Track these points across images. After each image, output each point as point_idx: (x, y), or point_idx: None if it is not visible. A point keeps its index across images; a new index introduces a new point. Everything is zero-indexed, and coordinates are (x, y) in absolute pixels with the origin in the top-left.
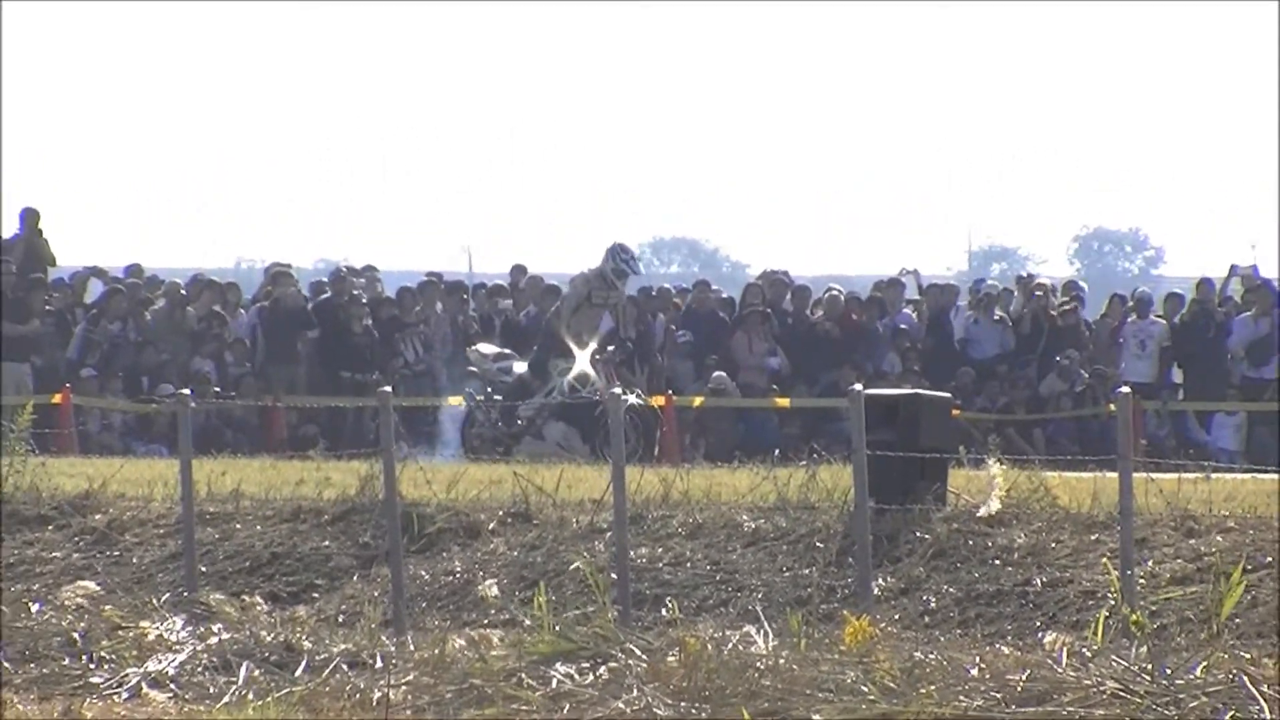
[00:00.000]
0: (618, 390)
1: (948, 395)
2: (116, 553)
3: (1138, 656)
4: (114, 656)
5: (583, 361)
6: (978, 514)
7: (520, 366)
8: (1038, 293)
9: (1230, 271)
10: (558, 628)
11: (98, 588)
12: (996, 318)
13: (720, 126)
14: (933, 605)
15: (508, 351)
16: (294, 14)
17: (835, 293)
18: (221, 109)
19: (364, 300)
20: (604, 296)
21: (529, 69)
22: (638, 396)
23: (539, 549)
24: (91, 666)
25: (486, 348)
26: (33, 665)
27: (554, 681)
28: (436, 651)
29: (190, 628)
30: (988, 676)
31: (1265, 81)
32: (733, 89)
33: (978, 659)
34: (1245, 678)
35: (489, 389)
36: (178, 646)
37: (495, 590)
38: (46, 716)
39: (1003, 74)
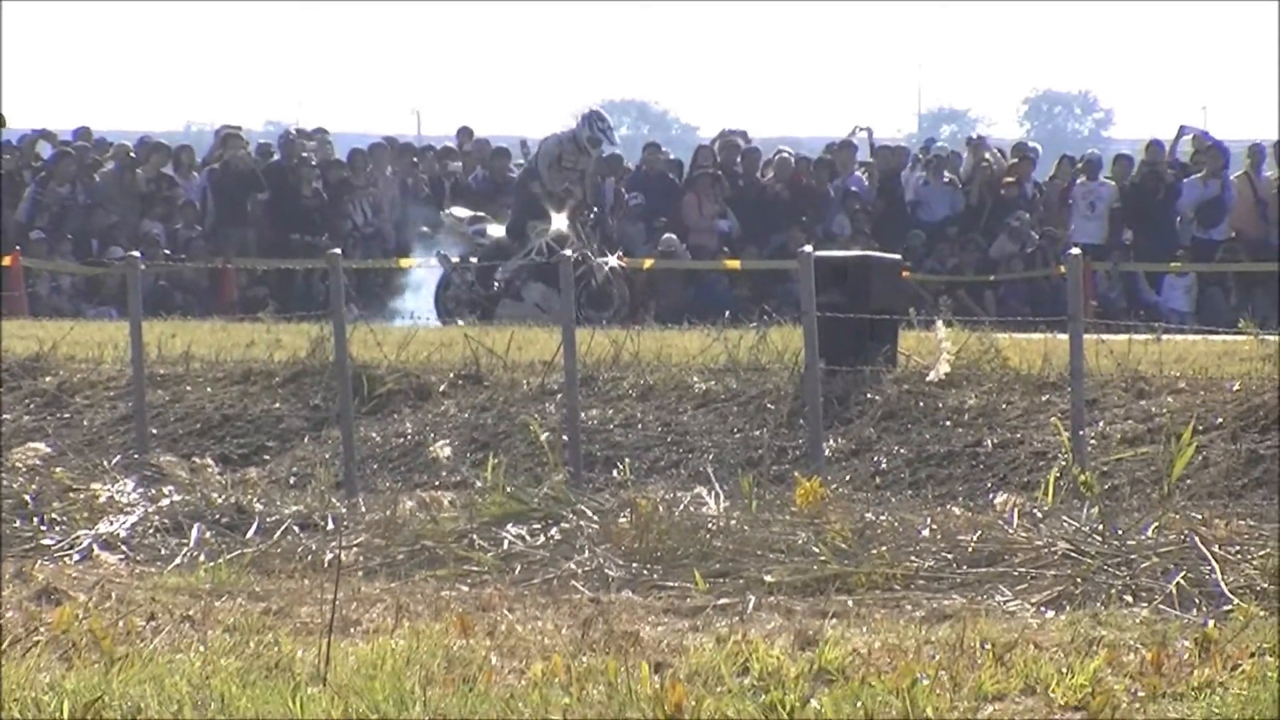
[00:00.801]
0: (568, 251)
1: (897, 257)
2: (67, 415)
3: (1089, 517)
4: (65, 518)
5: (559, 221)
6: (927, 379)
7: (496, 229)
8: (986, 158)
9: (1179, 132)
10: (509, 489)
11: (49, 450)
12: (946, 180)
13: None
14: (884, 466)
15: (482, 214)
16: None
17: (785, 155)
18: None
19: (314, 163)
20: (574, 161)
21: None
22: (619, 258)
23: (490, 411)
24: (43, 528)
25: (461, 211)
26: None
27: (505, 543)
28: (388, 513)
29: (141, 490)
30: (939, 537)
31: None
32: None
33: (929, 520)
34: (1196, 538)
35: (464, 252)
36: (129, 508)
37: (447, 452)
38: None
39: None
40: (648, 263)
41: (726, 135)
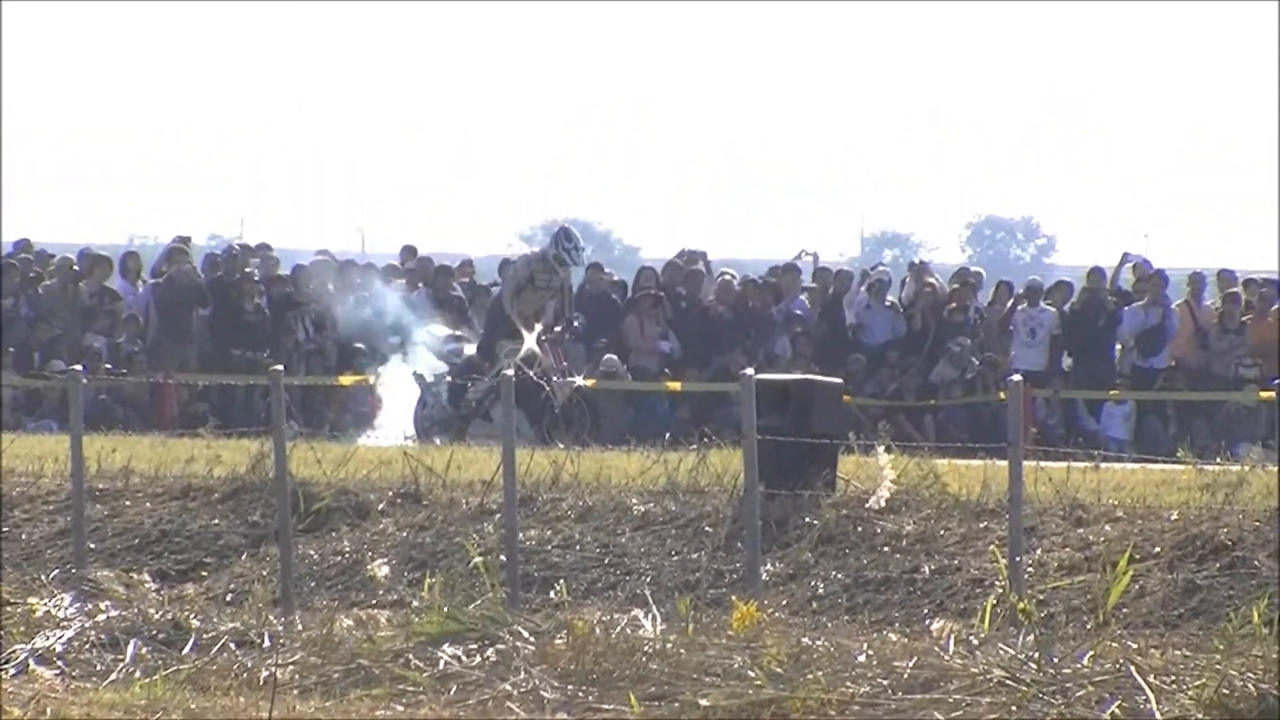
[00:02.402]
0: (509, 373)
1: (839, 381)
2: (5, 529)
3: (1025, 645)
4: (1, 633)
5: (529, 342)
6: (868, 505)
7: (470, 347)
8: (930, 283)
9: (1122, 259)
10: (446, 609)
11: None
12: (888, 304)
13: (613, 110)
14: (821, 591)
15: (459, 333)
16: None
17: (729, 277)
18: (111, 83)
19: (257, 278)
20: (546, 280)
21: (424, 50)
22: (584, 378)
23: (429, 529)
24: None
25: (438, 329)
26: None
27: (442, 662)
28: (324, 631)
29: (79, 604)
30: (875, 663)
31: (1156, 71)
32: (626, 72)
33: (865, 645)
34: (1132, 667)
35: (439, 370)
36: (66, 623)
37: (385, 570)
38: None
39: (896, 61)
40: (590, 383)
41: (686, 254)
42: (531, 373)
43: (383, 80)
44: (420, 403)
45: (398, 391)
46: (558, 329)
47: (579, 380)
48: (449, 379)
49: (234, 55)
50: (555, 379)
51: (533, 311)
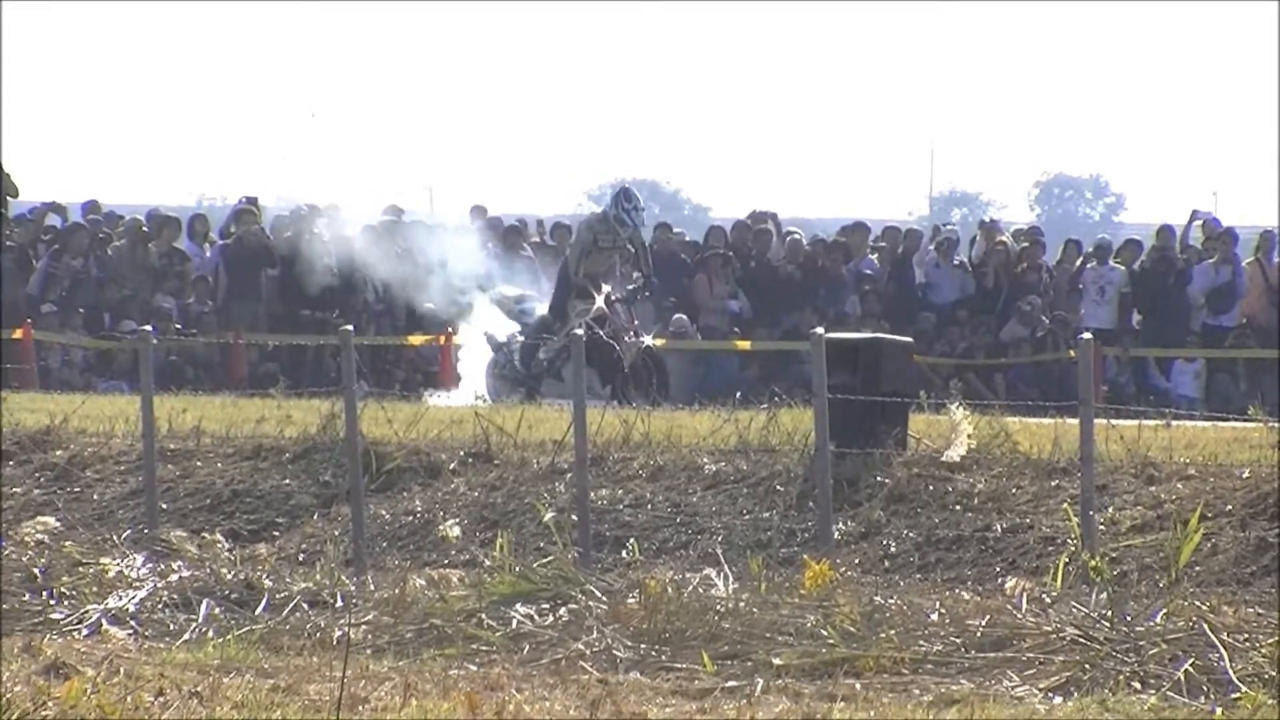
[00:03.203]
0: (579, 332)
1: (908, 340)
2: (77, 489)
3: (1098, 603)
4: (74, 592)
5: (600, 301)
6: (943, 459)
7: (541, 307)
8: (999, 246)
9: (1191, 217)
10: (518, 568)
11: (58, 524)
12: (957, 263)
13: (683, 68)
14: (893, 550)
15: (529, 293)
16: None
17: (797, 236)
18: (180, 44)
19: (326, 239)
20: (610, 240)
21: (490, 12)
22: (653, 338)
23: (500, 489)
24: (52, 602)
25: (509, 289)
26: None
27: (514, 622)
28: (397, 591)
29: (151, 565)
30: (948, 621)
31: (1226, 29)
32: (696, 30)
33: (938, 604)
34: (1205, 625)
35: (511, 330)
36: (138, 583)
37: (456, 530)
38: (7, 651)
39: (965, 20)
40: (659, 342)
41: (756, 215)
42: (602, 332)
43: (449, 39)
44: (492, 362)
45: (471, 350)
46: (633, 287)
47: (648, 340)
48: (521, 339)
49: (302, 18)
50: (625, 339)
51: (601, 271)
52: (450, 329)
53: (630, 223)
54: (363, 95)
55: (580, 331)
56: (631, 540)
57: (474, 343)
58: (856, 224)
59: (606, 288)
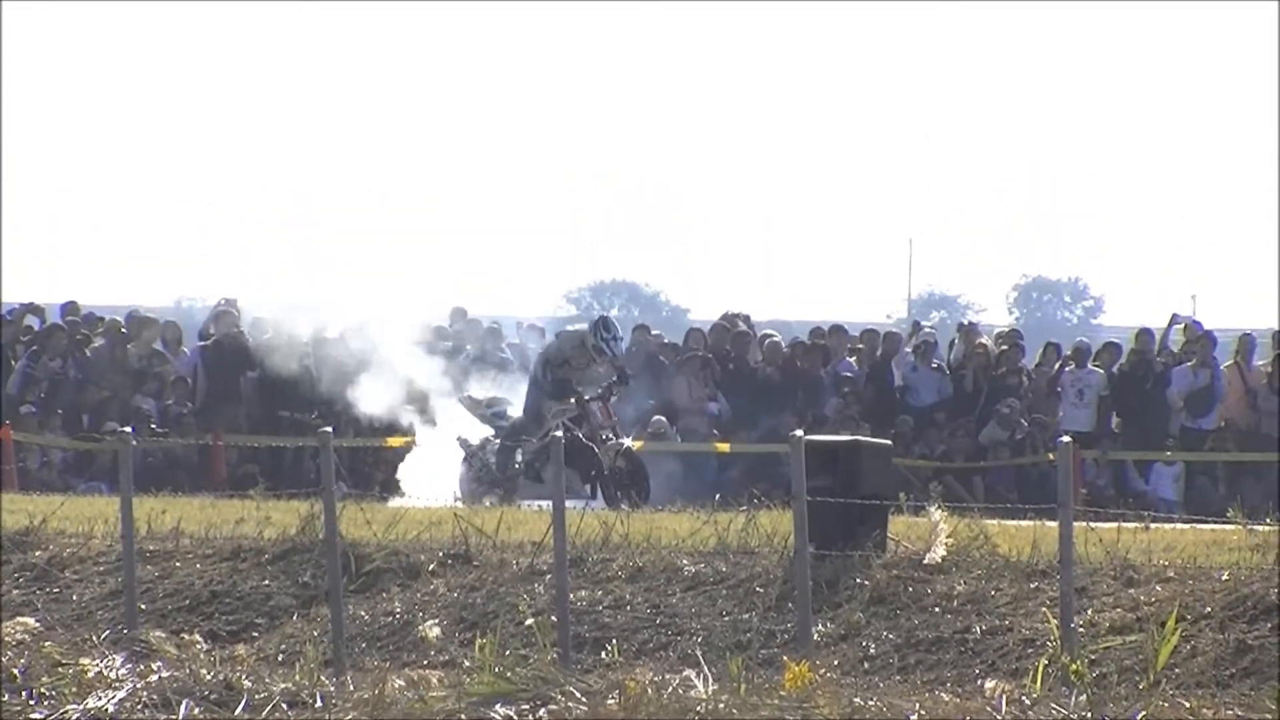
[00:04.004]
0: (559, 433)
1: (888, 442)
2: (57, 589)
3: (1077, 705)
4: (54, 693)
5: (573, 403)
6: (923, 561)
7: (514, 410)
8: (979, 349)
9: (1172, 320)
10: (498, 669)
11: (38, 624)
12: (935, 365)
13: (660, 172)
14: (873, 651)
15: (499, 396)
16: (231, 35)
17: (775, 339)
18: (154, 143)
19: (305, 340)
20: (583, 364)
21: (468, 105)
22: (632, 439)
23: (479, 590)
24: (31, 703)
25: (478, 393)
26: None
27: None
28: (376, 691)
29: (130, 665)
30: None
31: (1202, 133)
32: (672, 133)
33: (918, 705)
34: None
35: (482, 434)
36: (118, 684)
37: (436, 631)
38: None
39: (943, 119)
40: (638, 444)
41: (728, 317)
42: (580, 433)
43: (427, 135)
44: (465, 466)
45: (436, 454)
46: (607, 384)
47: (627, 441)
48: (496, 441)
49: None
50: (603, 438)
51: (575, 375)
52: (412, 434)
53: (609, 353)
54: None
55: (559, 433)
56: (611, 641)
57: (435, 445)
58: (835, 326)
59: (580, 389)
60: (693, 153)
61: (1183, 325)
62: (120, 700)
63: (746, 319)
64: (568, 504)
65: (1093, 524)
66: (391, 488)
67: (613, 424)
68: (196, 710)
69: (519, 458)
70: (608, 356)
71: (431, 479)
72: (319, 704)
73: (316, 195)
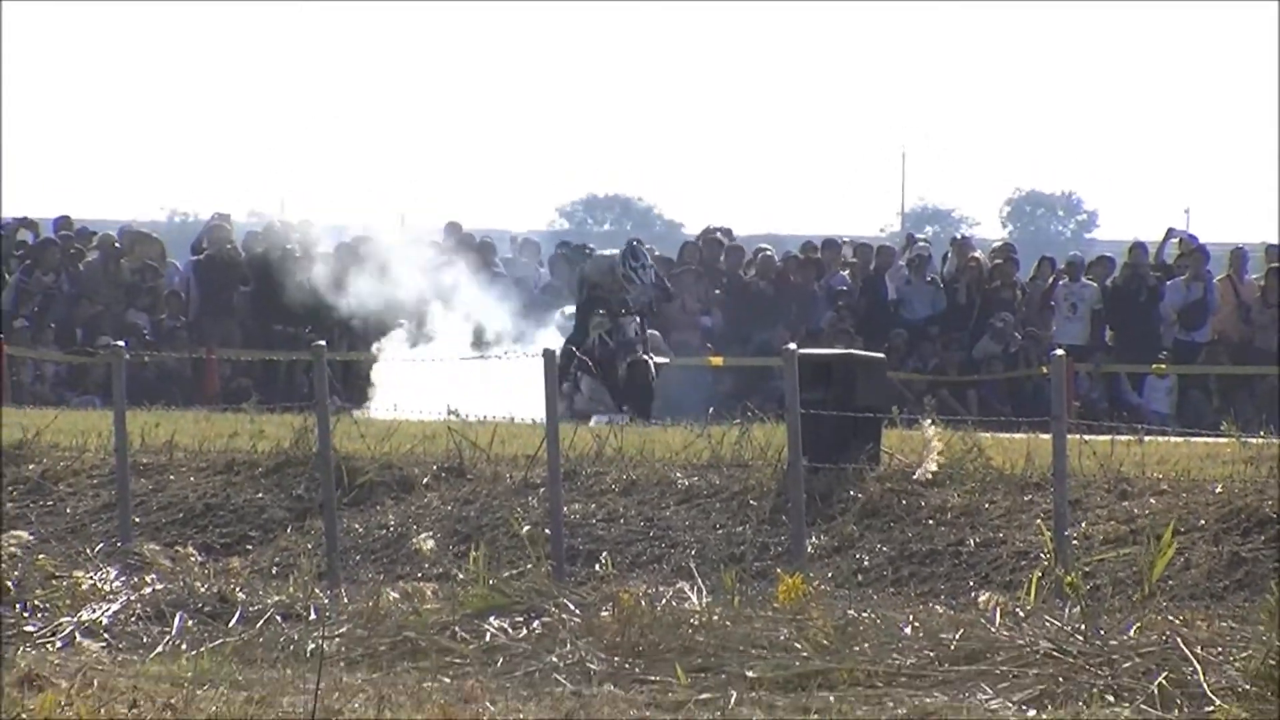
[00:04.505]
0: (554, 348)
1: (881, 356)
2: (50, 502)
3: (1071, 617)
4: (48, 605)
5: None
6: (914, 476)
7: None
8: (971, 263)
9: (1168, 234)
10: (491, 582)
11: (31, 537)
12: (929, 279)
13: (653, 86)
14: (866, 564)
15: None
16: None
17: (769, 253)
18: (153, 59)
19: (298, 255)
20: (615, 287)
21: (462, 27)
22: (660, 359)
23: (473, 504)
24: (25, 615)
25: (568, 308)
26: None
27: (488, 635)
28: (370, 604)
29: (124, 578)
30: (921, 635)
31: (1197, 46)
32: (665, 47)
33: (911, 617)
34: (1178, 639)
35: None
36: (111, 596)
37: (430, 544)
38: None
39: (937, 36)
40: (663, 360)
41: (709, 232)
42: (611, 344)
43: (423, 54)
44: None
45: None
46: (648, 299)
47: (643, 355)
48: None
49: (274, 33)
50: (624, 355)
51: (604, 299)
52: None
53: (638, 280)
54: (336, 108)
55: (554, 350)
56: (605, 554)
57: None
58: (828, 240)
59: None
60: (685, 66)
61: (1178, 239)
62: (114, 612)
63: (728, 232)
64: (600, 418)
65: (1086, 437)
66: (358, 399)
67: (643, 340)
68: (191, 622)
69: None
70: (636, 284)
71: (422, 393)
72: (313, 616)
73: (307, 108)
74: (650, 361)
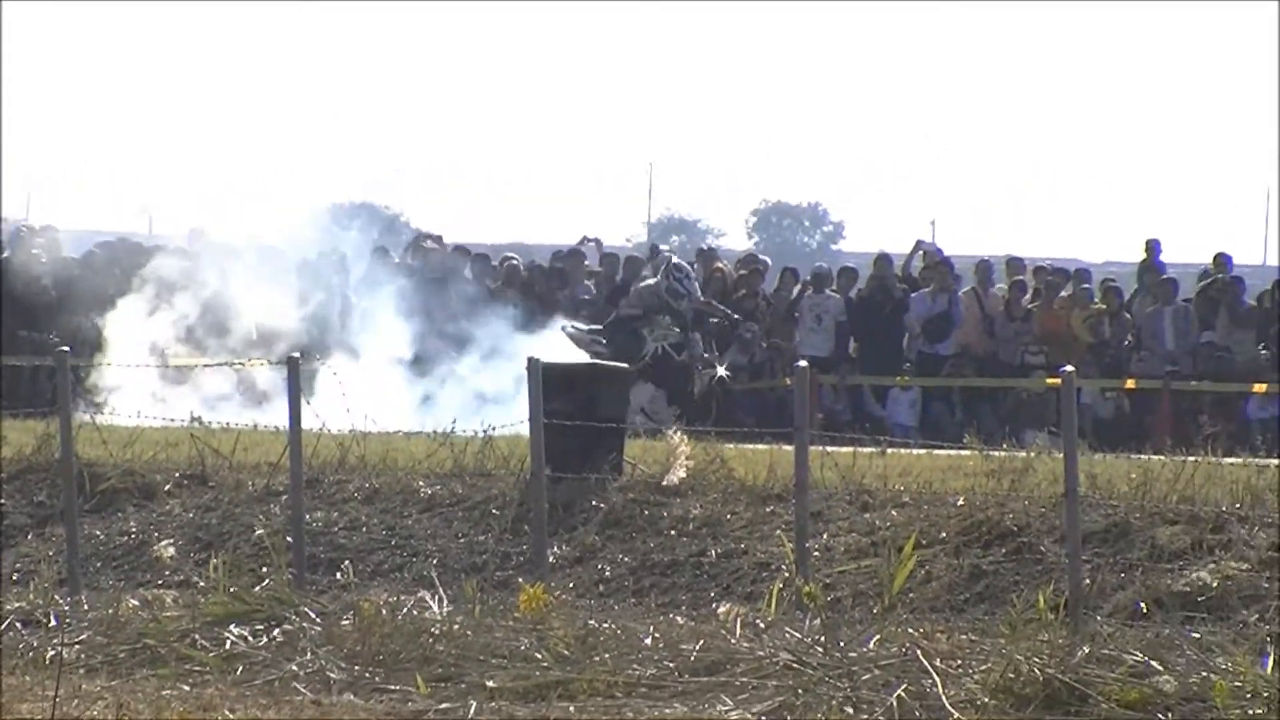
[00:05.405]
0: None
1: (625, 366)
2: None
3: (811, 629)
4: None
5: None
6: (663, 483)
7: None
8: (717, 274)
9: (916, 246)
10: (232, 589)
11: None
12: None
13: (405, 95)
14: (608, 574)
15: (598, 327)
16: None
17: (514, 262)
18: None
19: (44, 260)
20: (664, 311)
21: (218, 25)
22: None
23: (215, 511)
24: None
25: (580, 325)
26: None
27: (228, 643)
28: (111, 611)
29: None
30: (661, 645)
31: (940, 53)
32: (407, 50)
33: (652, 628)
34: (918, 651)
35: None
36: None
37: (171, 551)
38: None
39: (683, 45)
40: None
41: (420, 237)
42: (679, 357)
43: (169, 53)
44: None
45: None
46: (716, 320)
47: (721, 370)
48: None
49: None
50: (699, 368)
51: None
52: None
53: (685, 292)
54: (82, 116)
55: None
56: (346, 563)
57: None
58: (573, 250)
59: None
60: (429, 71)
61: (924, 251)
62: None
63: (439, 239)
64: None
65: (829, 448)
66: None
67: (713, 355)
68: None
69: None
70: (685, 297)
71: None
72: (53, 622)
73: (54, 110)
74: (727, 379)
